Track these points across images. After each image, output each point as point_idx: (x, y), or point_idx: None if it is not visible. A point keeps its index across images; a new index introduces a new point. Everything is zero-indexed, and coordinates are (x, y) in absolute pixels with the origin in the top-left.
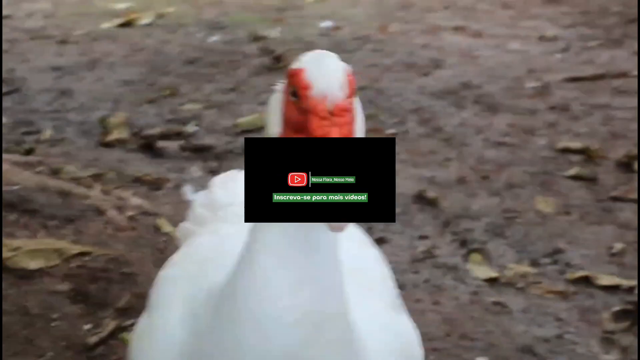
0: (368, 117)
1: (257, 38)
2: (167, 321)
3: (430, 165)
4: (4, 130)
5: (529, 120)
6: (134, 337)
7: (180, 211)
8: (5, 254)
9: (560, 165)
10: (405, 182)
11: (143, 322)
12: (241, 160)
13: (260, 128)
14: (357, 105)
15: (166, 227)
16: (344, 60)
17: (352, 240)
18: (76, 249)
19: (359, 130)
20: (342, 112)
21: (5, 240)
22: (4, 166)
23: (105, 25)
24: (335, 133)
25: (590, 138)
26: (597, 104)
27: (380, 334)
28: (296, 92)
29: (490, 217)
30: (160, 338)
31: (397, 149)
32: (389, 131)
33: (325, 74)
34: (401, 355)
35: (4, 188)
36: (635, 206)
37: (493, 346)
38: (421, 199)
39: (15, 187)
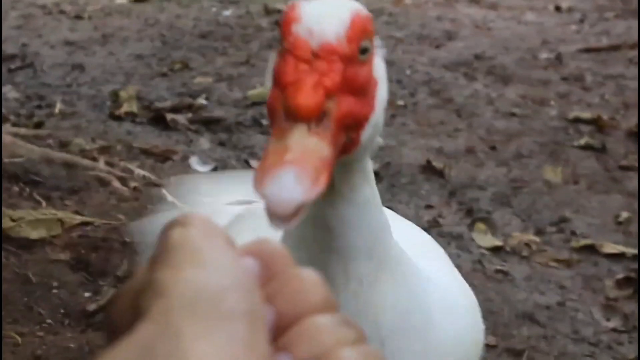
0: None
1: (269, 11)
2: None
3: (439, 136)
4: (15, 104)
5: (541, 91)
6: None
7: None
8: (7, 224)
9: (571, 136)
10: (413, 153)
11: None
12: (250, 133)
13: None
14: (378, 63)
15: (170, 197)
16: None
17: (401, 221)
18: (78, 219)
19: (380, 99)
20: (331, 55)
21: (8, 211)
22: (9, 138)
23: (120, 0)
24: (310, 81)
25: (602, 108)
26: (610, 75)
27: (458, 282)
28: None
29: (497, 187)
30: None
31: (406, 120)
32: (399, 102)
33: (321, 8)
34: (477, 307)
35: (8, 160)
36: None
37: (493, 313)
38: (428, 169)
39: (19, 159)
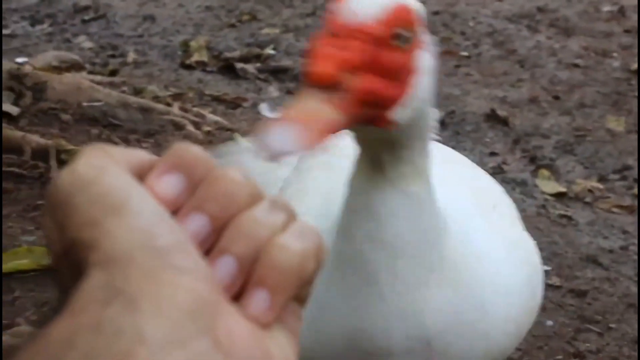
0: (443, 40)
1: None
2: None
3: (503, 86)
4: (89, 54)
5: (603, 43)
6: None
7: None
8: None
9: (633, 86)
10: (477, 102)
11: None
12: None
13: None
14: (423, 56)
15: (242, 141)
16: None
17: (464, 164)
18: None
19: (423, 89)
20: (364, 35)
21: None
22: (87, 83)
23: None
24: (329, 52)
25: None
26: None
27: (511, 248)
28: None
29: (560, 135)
30: None
31: (470, 70)
32: (463, 53)
33: None
34: (534, 269)
35: (87, 103)
36: None
37: (557, 255)
38: (492, 117)
39: (98, 103)
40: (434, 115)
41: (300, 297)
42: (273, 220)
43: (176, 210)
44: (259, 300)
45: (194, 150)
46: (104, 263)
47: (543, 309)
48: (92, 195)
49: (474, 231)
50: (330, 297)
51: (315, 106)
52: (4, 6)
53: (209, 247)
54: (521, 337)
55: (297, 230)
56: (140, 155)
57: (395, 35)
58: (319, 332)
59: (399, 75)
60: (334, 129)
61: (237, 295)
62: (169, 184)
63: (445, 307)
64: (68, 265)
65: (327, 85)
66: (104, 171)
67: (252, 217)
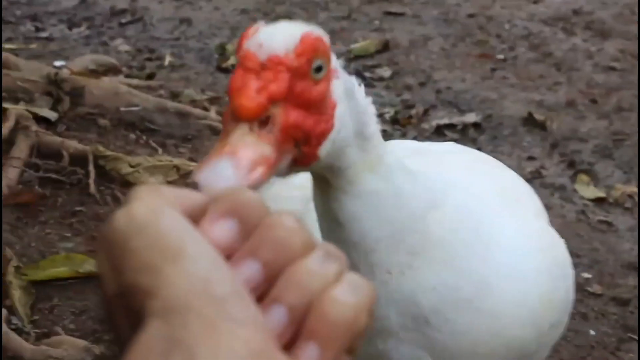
0: (478, 43)
1: None
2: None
3: (540, 89)
4: (126, 57)
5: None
6: None
7: None
8: (126, 170)
9: None
10: (515, 105)
11: None
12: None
13: (372, 54)
14: (338, 85)
15: None
16: None
17: (489, 163)
18: (193, 165)
19: (340, 120)
20: (277, 66)
21: (126, 157)
22: (124, 88)
23: None
24: (253, 86)
25: None
26: None
27: (533, 237)
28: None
29: (598, 139)
30: None
31: (507, 73)
32: (499, 56)
33: (275, 27)
34: (556, 261)
35: (125, 108)
36: None
37: (598, 263)
38: (530, 121)
39: (135, 108)
40: (371, 112)
41: (351, 348)
42: (326, 271)
43: (229, 255)
44: (310, 353)
45: (249, 195)
46: (162, 312)
47: (585, 317)
48: (149, 240)
49: (484, 213)
50: None
51: (246, 139)
52: (42, 9)
53: (261, 293)
54: (541, 331)
55: (350, 282)
56: (192, 196)
57: (312, 65)
58: None
59: (321, 107)
60: (267, 163)
61: (288, 344)
62: (224, 229)
63: (439, 284)
64: (122, 306)
65: (253, 119)
66: (159, 214)
67: (305, 268)
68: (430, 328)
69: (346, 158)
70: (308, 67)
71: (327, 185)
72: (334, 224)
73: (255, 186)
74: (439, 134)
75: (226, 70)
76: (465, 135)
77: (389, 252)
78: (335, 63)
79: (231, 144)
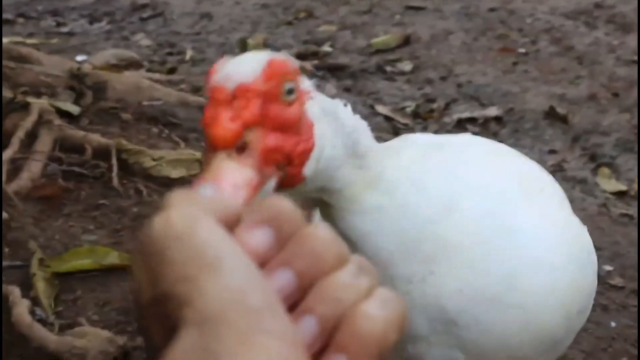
0: (500, 37)
1: None
2: None
3: (561, 83)
4: (147, 52)
5: None
6: None
7: None
8: (149, 163)
9: None
10: (536, 99)
11: None
12: (375, 79)
13: (394, 48)
14: (312, 105)
15: None
16: None
17: (510, 154)
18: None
19: (324, 138)
20: (247, 93)
21: (149, 151)
22: (146, 82)
23: None
24: (225, 115)
25: None
26: None
27: (558, 226)
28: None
29: (620, 133)
30: None
31: (528, 67)
32: (520, 50)
33: (240, 59)
34: (582, 248)
35: (147, 102)
36: None
37: (619, 255)
38: (551, 115)
39: (157, 102)
40: (363, 129)
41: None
42: (359, 285)
43: (263, 263)
44: None
45: (284, 205)
46: (197, 322)
47: (606, 309)
48: (187, 249)
49: (504, 209)
50: None
51: (225, 164)
52: (63, 4)
53: (292, 303)
54: (570, 318)
55: (381, 297)
56: (226, 204)
57: (282, 88)
58: None
59: (297, 128)
60: (249, 185)
61: (315, 356)
62: (259, 238)
63: (464, 287)
64: (156, 312)
65: (229, 147)
66: (197, 223)
67: (338, 280)
68: (459, 329)
69: (341, 178)
70: (278, 90)
71: (329, 207)
72: (346, 243)
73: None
74: (460, 127)
75: None
76: (487, 129)
77: (406, 262)
78: (307, 84)
79: (211, 171)
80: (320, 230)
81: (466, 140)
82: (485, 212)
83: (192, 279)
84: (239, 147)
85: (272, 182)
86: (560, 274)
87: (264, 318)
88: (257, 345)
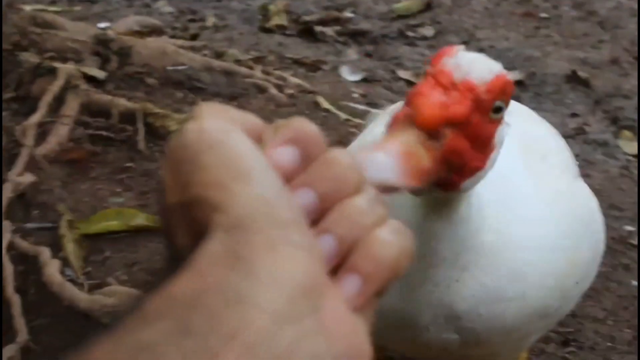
0: (522, 2)
1: None
2: None
3: (584, 47)
4: (170, 18)
5: None
6: None
7: (337, 90)
8: (174, 127)
9: None
10: (558, 63)
11: None
12: (396, 44)
13: (415, 14)
14: (501, 132)
15: (324, 104)
16: None
17: (519, 115)
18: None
19: (491, 162)
20: (468, 91)
21: (174, 115)
22: (171, 47)
23: None
24: (437, 99)
25: None
26: None
27: (554, 200)
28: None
29: None
30: None
31: (550, 31)
32: (542, 15)
33: (476, 56)
34: (580, 221)
35: (172, 67)
36: None
37: None
38: (573, 78)
39: (182, 67)
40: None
41: (382, 291)
42: (375, 212)
43: (287, 182)
44: (352, 284)
45: (311, 128)
46: (229, 226)
47: (627, 269)
48: (220, 157)
49: (514, 192)
50: None
51: (413, 144)
52: None
53: (311, 223)
54: (568, 290)
55: (394, 227)
56: (254, 120)
57: (495, 107)
58: None
59: (485, 146)
60: (422, 173)
61: (329, 275)
62: (287, 155)
63: (477, 291)
64: (183, 215)
65: (427, 129)
66: (230, 134)
67: (358, 205)
68: (462, 322)
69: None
70: (491, 104)
71: (428, 209)
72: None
73: (401, 190)
74: None
75: (269, 31)
76: None
77: (446, 268)
78: (507, 111)
79: (399, 142)
80: (343, 156)
81: None
82: (503, 210)
83: (225, 185)
84: (430, 135)
85: (433, 180)
86: (557, 254)
87: (291, 230)
88: (284, 255)
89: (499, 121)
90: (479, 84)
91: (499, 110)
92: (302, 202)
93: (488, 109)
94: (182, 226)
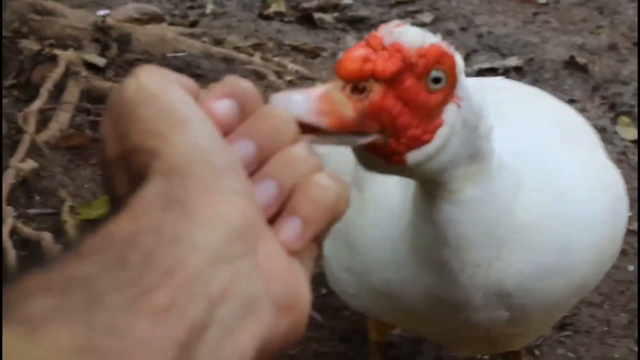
0: None
1: None
2: (386, 189)
3: (582, 33)
4: (168, 5)
5: None
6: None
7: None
8: None
9: None
10: (556, 49)
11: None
12: None
13: (414, 0)
14: (452, 110)
15: None
16: None
17: (546, 97)
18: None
19: (445, 144)
20: (396, 52)
21: None
22: (171, 34)
23: None
24: (361, 54)
25: None
26: None
27: (593, 176)
28: None
29: None
30: (379, 207)
31: (549, 17)
32: (541, 1)
33: (413, 28)
34: (616, 195)
35: (172, 54)
36: None
37: (638, 202)
38: (571, 64)
39: (181, 54)
40: (488, 129)
41: (320, 237)
42: (312, 160)
43: (225, 134)
44: (291, 227)
45: (246, 84)
46: (166, 172)
47: (624, 253)
48: (157, 108)
49: (555, 169)
50: (409, 272)
51: (333, 92)
52: None
53: (249, 174)
54: (604, 264)
55: (331, 174)
56: (190, 82)
57: (430, 73)
58: (403, 299)
59: (425, 115)
60: (340, 121)
61: (269, 222)
62: (224, 107)
63: (525, 266)
64: (122, 167)
65: (349, 80)
66: (167, 87)
67: (296, 152)
68: (512, 298)
69: (451, 175)
70: (425, 71)
71: (429, 195)
72: (429, 223)
73: (315, 136)
74: (481, 77)
75: (268, 18)
76: (507, 78)
77: (480, 249)
78: (464, 92)
79: (321, 89)
80: (279, 110)
81: (500, 84)
82: (544, 186)
83: (162, 133)
84: (357, 89)
85: (364, 139)
86: (600, 228)
87: (228, 177)
88: (220, 199)
89: (443, 95)
90: (408, 48)
91: (437, 80)
92: (241, 153)
93: (422, 74)
94: (123, 178)
